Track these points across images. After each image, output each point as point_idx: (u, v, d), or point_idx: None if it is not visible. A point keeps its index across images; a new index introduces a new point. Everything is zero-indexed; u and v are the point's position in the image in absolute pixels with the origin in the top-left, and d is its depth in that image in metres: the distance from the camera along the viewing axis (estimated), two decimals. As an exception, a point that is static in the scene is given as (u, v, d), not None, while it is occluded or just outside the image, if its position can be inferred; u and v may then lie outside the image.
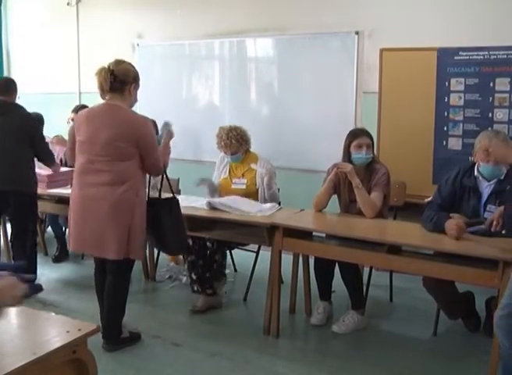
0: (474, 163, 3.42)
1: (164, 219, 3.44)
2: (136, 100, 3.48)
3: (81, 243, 3.42)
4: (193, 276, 4.14)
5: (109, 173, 3.29)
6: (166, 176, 3.60)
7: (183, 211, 3.61)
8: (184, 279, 4.49)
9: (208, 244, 4.04)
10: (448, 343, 3.60)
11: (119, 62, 3.38)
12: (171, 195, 3.59)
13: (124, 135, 3.28)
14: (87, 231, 3.36)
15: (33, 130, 4.34)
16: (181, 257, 4.67)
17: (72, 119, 5.12)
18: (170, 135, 3.66)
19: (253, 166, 4.29)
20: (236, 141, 4.23)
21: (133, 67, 3.45)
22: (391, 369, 3.30)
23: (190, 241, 4.04)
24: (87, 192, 3.35)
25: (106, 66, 3.33)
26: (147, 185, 3.54)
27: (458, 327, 3.70)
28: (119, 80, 3.33)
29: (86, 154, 3.36)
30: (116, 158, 3.28)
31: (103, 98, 3.40)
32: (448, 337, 3.68)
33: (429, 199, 3.57)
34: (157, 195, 3.61)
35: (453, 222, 3.20)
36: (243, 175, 4.32)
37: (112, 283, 3.47)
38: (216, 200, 3.97)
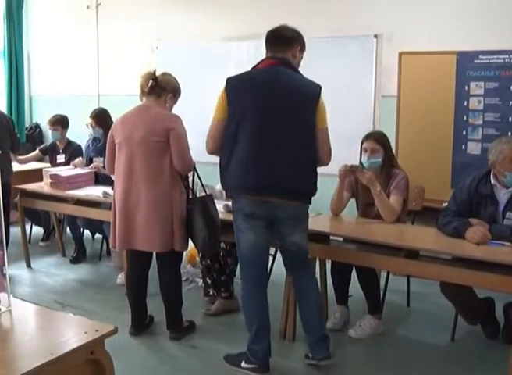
0: (490, 170, 3.38)
1: (191, 217, 3.51)
2: (170, 110, 3.62)
3: (129, 240, 3.55)
4: (208, 281, 4.16)
5: (148, 171, 3.45)
6: (198, 175, 3.63)
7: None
8: (200, 282, 4.49)
9: (222, 245, 4.05)
10: (465, 349, 3.57)
11: (165, 73, 3.61)
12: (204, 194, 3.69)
13: (155, 130, 3.43)
14: (135, 228, 3.50)
15: (11, 125, 4.98)
16: (198, 259, 4.67)
17: (91, 125, 5.18)
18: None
19: None
20: None
21: (177, 83, 3.65)
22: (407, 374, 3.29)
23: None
24: (129, 191, 3.50)
25: (152, 71, 3.53)
26: (188, 183, 3.61)
27: (476, 333, 3.66)
28: (159, 86, 3.53)
29: (124, 154, 3.52)
30: (152, 155, 3.44)
31: (141, 99, 3.60)
32: (465, 342, 3.64)
33: (445, 205, 3.55)
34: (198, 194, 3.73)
35: (480, 228, 3.17)
36: None
37: (168, 279, 3.66)
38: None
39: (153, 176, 3.44)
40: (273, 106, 3.01)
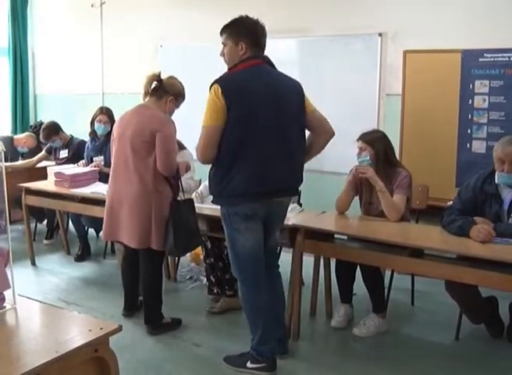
0: (495, 170, 3.37)
1: (168, 219, 3.54)
2: (170, 113, 3.63)
3: (114, 232, 3.68)
4: (212, 279, 4.17)
5: (131, 170, 3.51)
6: (180, 179, 3.63)
7: (203, 211, 3.77)
8: (204, 280, 4.50)
9: (225, 243, 4.05)
10: (470, 348, 3.56)
11: (171, 77, 3.66)
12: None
13: (143, 131, 3.47)
14: (119, 222, 3.61)
15: None
16: (202, 258, 4.68)
17: (102, 120, 5.20)
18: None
19: None
20: None
21: (183, 87, 3.68)
22: (411, 374, 3.28)
23: (209, 244, 4.07)
24: (117, 186, 3.61)
25: (157, 72, 3.56)
26: (177, 185, 3.60)
27: (480, 332, 3.66)
28: (162, 88, 3.57)
29: (115, 151, 3.62)
30: (137, 155, 3.49)
31: (144, 100, 3.62)
32: (470, 342, 3.64)
33: (450, 204, 3.55)
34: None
35: (484, 226, 3.17)
36: None
37: (144, 274, 3.72)
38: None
39: (136, 175, 3.49)
40: (279, 107, 2.98)
